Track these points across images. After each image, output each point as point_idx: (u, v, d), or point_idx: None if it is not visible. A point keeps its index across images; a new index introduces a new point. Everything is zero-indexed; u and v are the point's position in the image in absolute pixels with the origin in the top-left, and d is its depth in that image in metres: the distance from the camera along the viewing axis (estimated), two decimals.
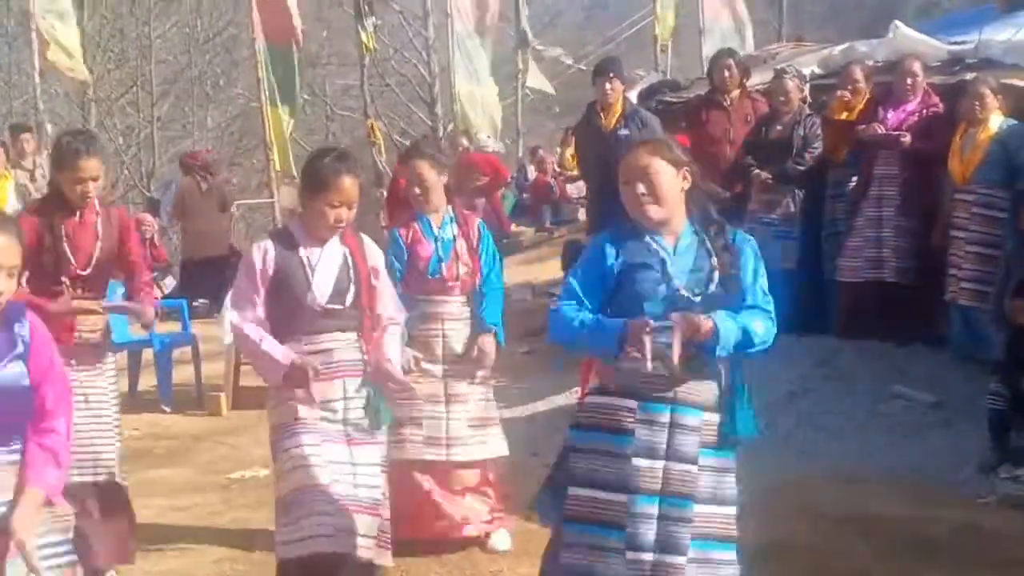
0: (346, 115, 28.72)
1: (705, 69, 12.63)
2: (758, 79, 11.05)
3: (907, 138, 9.32)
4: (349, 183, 5.10)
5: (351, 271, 5.18)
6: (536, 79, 20.29)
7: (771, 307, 4.37)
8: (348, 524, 4.96)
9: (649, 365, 3.92)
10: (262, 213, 19.39)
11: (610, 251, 4.29)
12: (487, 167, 14.07)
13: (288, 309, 5.08)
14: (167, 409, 10.63)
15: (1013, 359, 7.86)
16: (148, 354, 11.15)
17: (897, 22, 11.18)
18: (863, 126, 9.56)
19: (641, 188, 4.21)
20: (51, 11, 15.86)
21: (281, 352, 4.99)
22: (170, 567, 6.61)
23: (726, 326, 4.10)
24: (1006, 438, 7.76)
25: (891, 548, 6.58)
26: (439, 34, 23.01)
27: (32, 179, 11.56)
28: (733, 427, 4.29)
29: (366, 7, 19.23)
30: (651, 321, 3.96)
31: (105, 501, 6.02)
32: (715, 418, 4.28)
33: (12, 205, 10.68)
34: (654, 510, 4.20)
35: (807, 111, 10.08)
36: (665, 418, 4.19)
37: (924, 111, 9.50)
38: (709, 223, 4.36)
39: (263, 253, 5.10)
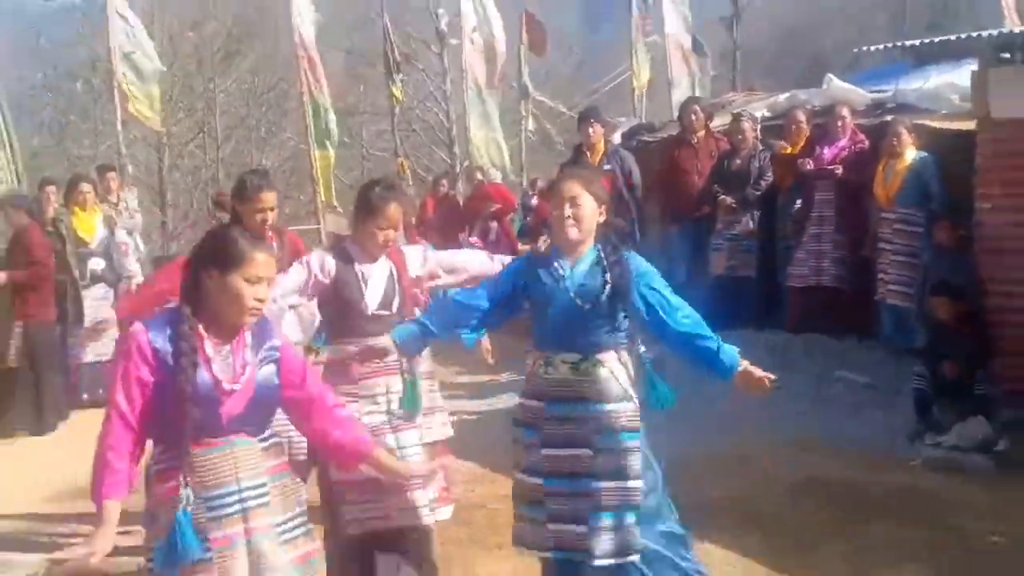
0: (379, 155, 28.73)
1: (675, 114, 12.67)
2: (719, 121, 11.12)
3: (839, 170, 9.49)
4: (395, 209, 5.10)
5: (396, 283, 5.17)
6: (536, 125, 20.40)
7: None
8: (403, 502, 4.94)
9: None
10: (309, 237, 19.37)
11: (521, 267, 4.58)
12: (499, 196, 14.10)
13: (343, 314, 5.06)
14: None
15: (932, 348, 8.00)
16: None
17: (830, 75, 11.25)
18: (802, 160, 9.69)
19: (568, 212, 4.36)
20: (131, 70, 15.89)
21: None
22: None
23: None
24: (928, 412, 7.88)
25: (839, 505, 6.65)
26: (455, 88, 23.00)
27: (117, 212, 11.48)
28: (653, 403, 4.49)
29: (395, 66, 19.36)
30: None
31: None
32: (618, 407, 4.39)
33: (100, 233, 10.65)
34: (564, 489, 4.40)
35: (760, 147, 10.18)
36: (566, 413, 4.37)
37: (853, 147, 9.61)
38: (608, 247, 4.48)
39: (321, 262, 5.07)
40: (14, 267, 9.36)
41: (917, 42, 8.63)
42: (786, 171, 9.99)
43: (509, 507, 6.72)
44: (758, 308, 9.93)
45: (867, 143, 9.58)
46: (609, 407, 4.39)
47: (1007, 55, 8.05)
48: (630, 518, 4.36)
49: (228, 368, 3.58)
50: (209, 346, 3.56)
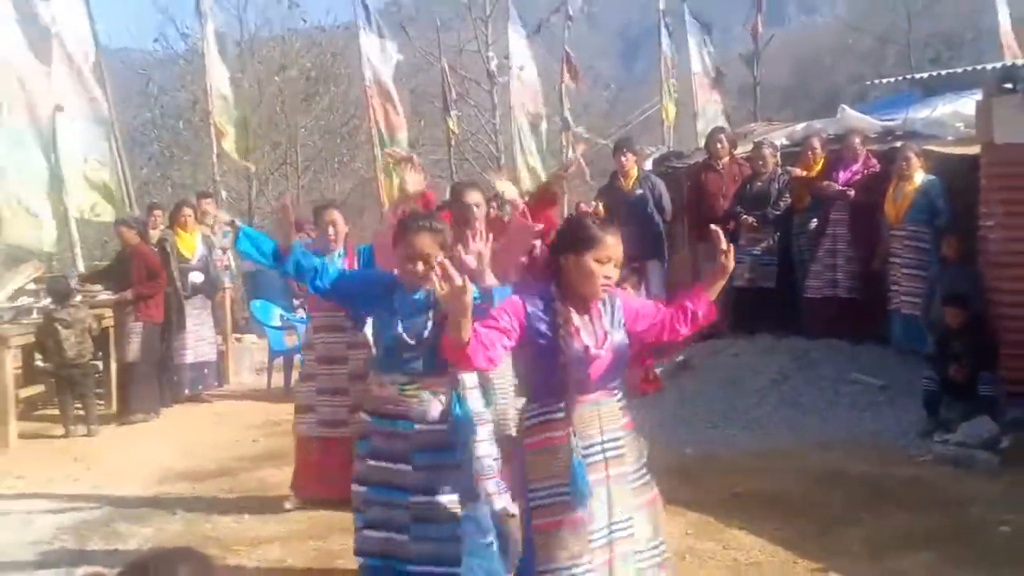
0: (436, 180, 28.76)
1: (702, 142, 12.56)
2: (742, 149, 10.96)
3: (852, 192, 9.38)
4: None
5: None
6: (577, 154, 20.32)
7: None
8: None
9: None
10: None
11: (387, 283, 4.35)
12: (543, 218, 14.00)
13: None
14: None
15: (941, 352, 7.82)
16: (297, 358, 11.10)
17: (843, 105, 11.16)
18: (823, 183, 9.57)
19: (420, 268, 4.15)
20: (225, 112, 16.04)
21: None
22: (321, 514, 6.48)
23: None
24: (937, 412, 7.76)
25: (857, 495, 6.53)
26: (503, 122, 23.08)
27: (212, 232, 11.62)
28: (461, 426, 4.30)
29: (451, 103, 19.49)
30: None
31: None
32: (434, 427, 4.20)
33: (200, 251, 10.74)
34: (383, 499, 4.24)
35: (779, 172, 9.97)
36: (390, 430, 4.21)
37: (865, 171, 9.48)
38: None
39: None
40: (129, 278, 9.66)
41: (925, 75, 8.41)
42: (803, 193, 9.86)
43: None
44: (778, 317, 9.75)
45: (879, 167, 9.45)
46: (427, 427, 4.20)
47: (1009, 86, 7.87)
48: (449, 531, 4.18)
49: (591, 336, 3.74)
50: (576, 318, 3.74)
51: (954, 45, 33.65)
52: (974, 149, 8.54)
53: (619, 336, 3.82)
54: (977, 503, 6.29)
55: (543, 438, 3.73)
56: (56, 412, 9.48)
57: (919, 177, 8.83)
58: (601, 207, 9.73)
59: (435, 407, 4.23)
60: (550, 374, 3.72)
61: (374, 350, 4.45)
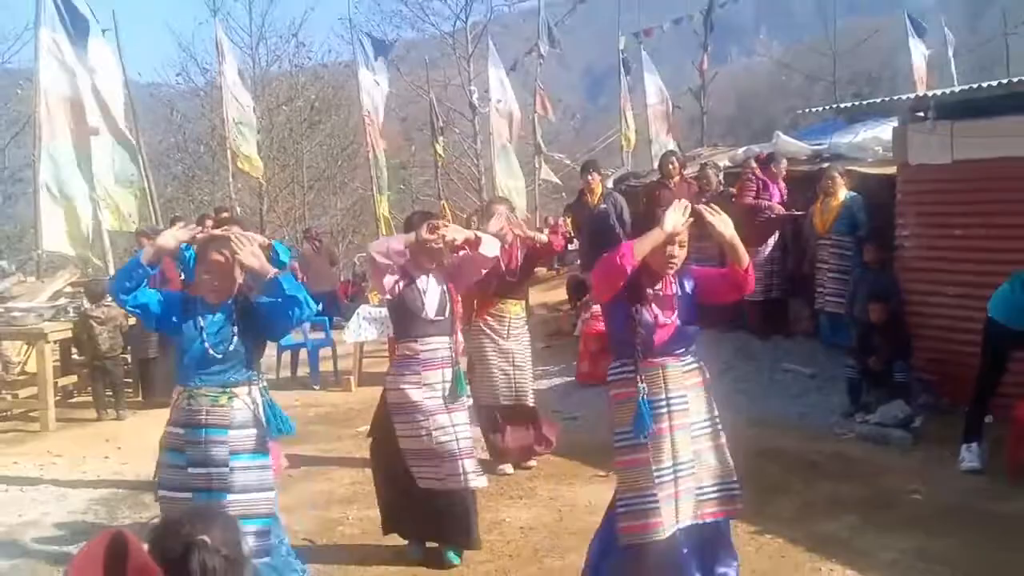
0: (425, 199, 28.79)
1: (656, 164, 12.55)
2: (690, 170, 10.94)
3: (780, 208, 9.50)
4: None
5: (447, 294, 5.03)
6: (546, 174, 20.33)
7: None
8: (456, 468, 4.85)
9: None
10: None
11: (180, 304, 4.09)
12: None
13: (409, 318, 4.93)
14: (316, 387, 10.55)
15: (862, 345, 7.85)
16: (303, 352, 11.12)
17: (778, 132, 11.18)
18: (768, 203, 9.56)
19: (215, 283, 4.03)
20: (240, 135, 15.97)
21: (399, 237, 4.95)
22: (322, 488, 6.62)
23: None
24: (858, 396, 7.78)
25: (791, 468, 6.57)
26: (484, 146, 23.08)
27: None
28: (274, 431, 4.12)
29: (438, 130, 19.51)
30: None
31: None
32: (243, 433, 4.02)
33: None
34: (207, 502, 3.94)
35: (721, 189, 9.95)
36: (202, 438, 3.97)
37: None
38: (240, 301, 4.11)
39: (393, 282, 4.92)
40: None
41: (849, 104, 8.42)
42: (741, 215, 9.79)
43: (529, 470, 6.74)
44: (724, 315, 9.71)
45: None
46: (240, 432, 4.02)
47: (921, 114, 7.88)
48: (262, 525, 4.04)
49: (661, 306, 3.92)
50: (649, 291, 3.91)
51: (874, 82, 33.90)
52: (891, 169, 8.59)
53: (687, 307, 3.97)
54: (893, 475, 6.33)
55: (620, 392, 3.98)
56: (89, 399, 9.40)
57: (843, 193, 8.86)
58: (569, 221, 9.72)
59: (245, 412, 4.06)
60: (626, 337, 3.91)
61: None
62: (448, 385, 4.95)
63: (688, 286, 4.00)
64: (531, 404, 6.86)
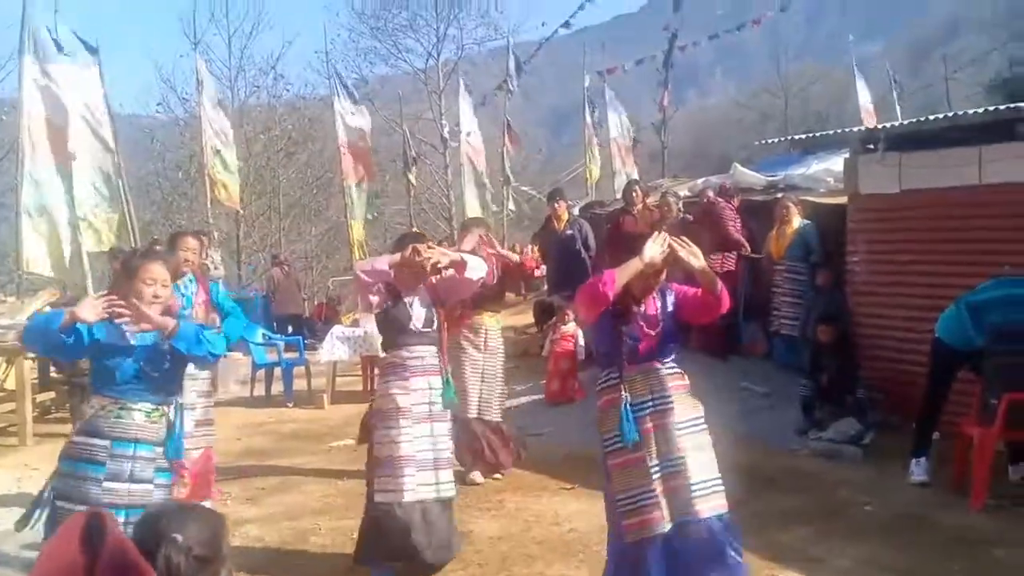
0: (398, 227, 28.76)
1: (618, 195, 12.60)
2: (652, 198, 10.96)
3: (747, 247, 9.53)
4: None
5: (433, 308, 4.97)
6: (513, 204, 20.51)
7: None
8: (431, 478, 4.76)
9: None
10: (347, 287, 19.30)
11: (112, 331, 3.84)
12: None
13: (397, 330, 4.87)
14: (290, 404, 10.41)
15: (814, 365, 7.84)
16: (276, 371, 11.01)
17: (736, 164, 11.26)
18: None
19: (158, 291, 3.90)
20: (217, 164, 15.85)
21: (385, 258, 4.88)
22: (294, 500, 6.53)
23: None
24: (812, 413, 7.75)
25: (746, 482, 6.30)
26: (455, 177, 23.16)
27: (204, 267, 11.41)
28: (170, 452, 3.89)
29: (411, 162, 19.50)
30: None
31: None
32: (161, 450, 3.84)
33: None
34: (126, 519, 3.54)
35: (681, 216, 9.97)
36: (132, 453, 3.76)
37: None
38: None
39: (381, 295, 4.89)
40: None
41: (804, 136, 8.52)
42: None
43: (498, 483, 6.69)
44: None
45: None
46: (161, 450, 3.85)
47: (871, 146, 7.98)
48: None
49: (646, 321, 4.05)
50: (635, 308, 4.06)
51: (823, 121, 34.32)
52: (842, 199, 8.66)
53: (669, 322, 4.09)
54: (845, 487, 6.33)
55: (607, 399, 4.10)
56: (66, 415, 9.20)
57: (797, 221, 8.91)
58: (536, 249, 9.72)
59: (164, 431, 3.88)
60: (612, 350, 4.08)
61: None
62: (434, 393, 4.88)
63: (670, 302, 4.13)
64: (495, 419, 6.81)
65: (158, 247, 12.40)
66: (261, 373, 11.16)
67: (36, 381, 9.35)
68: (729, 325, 9.52)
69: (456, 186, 22.97)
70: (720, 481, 4.06)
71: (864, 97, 19.71)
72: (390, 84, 28.70)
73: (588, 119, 20.85)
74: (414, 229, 19.92)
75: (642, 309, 4.08)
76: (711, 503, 3.98)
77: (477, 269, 4.96)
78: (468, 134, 18.92)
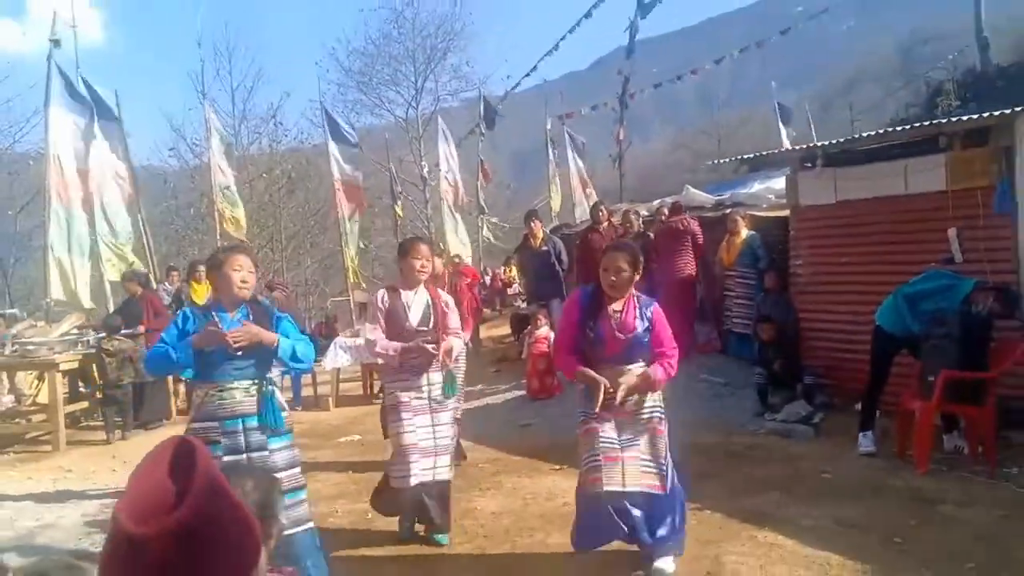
0: (384, 257, 28.61)
1: (580, 220, 12.52)
2: (616, 217, 10.89)
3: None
4: (424, 246, 4.86)
5: (431, 307, 4.81)
6: (487, 232, 20.46)
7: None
8: (432, 463, 4.65)
9: None
10: (343, 307, 19.09)
11: (189, 319, 3.82)
12: (469, 273, 13.80)
13: (396, 329, 4.70)
14: (299, 408, 10.14)
15: (762, 357, 7.84)
16: (286, 379, 10.73)
17: (687, 185, 11.27)
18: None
19: (246, 277, 3.84)
20: (226, 200, 15.58)
21: (395, 345, 4.63)
22: (311, 487, 6.14)
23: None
24: (766, 398, 7.72)
25: (716, 458, 6.45)
26: (435, 212, 23.09)
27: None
28: (270, 422, 3.79)
29: (397, 196, 19.40)
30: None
31: None
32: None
33: (209, 298, 10.27)
34: None
35: (641, 231, 9.92)
36: (239, 427, 3.71)
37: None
38: (254, 303, 3.93)
39: (381, 296, 4.78)
40: (138, 318, 9.24)
41: (751, 155, 8.51)
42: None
43: (494, 467, 6.52)
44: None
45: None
46: (268, 418, 3.79)
47: (808, 164, 7.98)
48: (297, 497, 3.79)
49: (620, 326, 4.02)
50: (609, 309, 4.05)
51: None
52: (783, 212, 8.67)
53: (641, 329, 4.05)
54: (803, 460, 6.25)
55: (583, 386, 4.10)
56: (95, 424, 8.95)
57: (744, 232, 8.91)
58: (513, 268, 9.56)
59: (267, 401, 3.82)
60: (581, 342, 4.06)
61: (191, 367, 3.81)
62: (434, 388, 4.74)
63: (647, 313, 4.12)
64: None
65: (174, 271, 12.32)
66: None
67: (66, 395, 9.03)
68: (688, 328, 9.47)
69: (436, 219, 22.87)
70: (663, 465, 4.09)
71: (786, 138, 19.90)
72: (374, 132, 28.63)
73: (551, 156, 20.91)
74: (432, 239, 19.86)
75: (619, 313, 4.07)
76: (660, 483, 4.06)
77: (457, 345, 4.92)
78: (447, 171, 18.86)
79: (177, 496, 1.20)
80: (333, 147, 16.37)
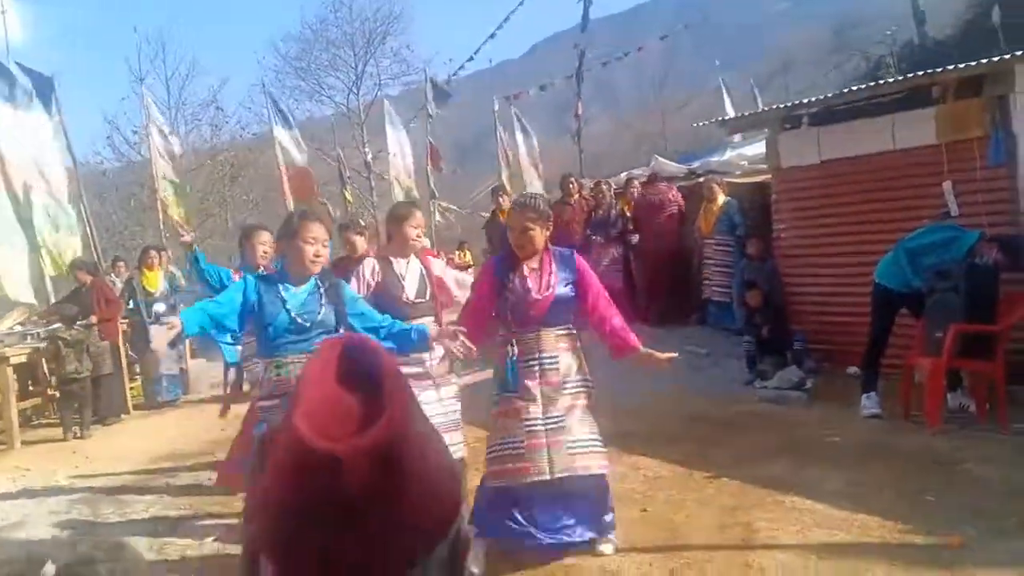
0: (333, 242, 28.01)
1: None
2: (587, 189, 10.62)
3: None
4: (419, 214, 4.49)
5: (426, 278, 4.42)
6: (439, 216, 20.05)
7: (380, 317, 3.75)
8: (447, 440, 4.23)
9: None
10: None
11: (251, 289, 3.49)
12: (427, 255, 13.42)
13: (390, 303, 4.25)
14: None
15: (749, 324, 7.68)
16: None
17: (656, 155, 11.09)
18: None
19: (320, 251, 3.51)
20: (168, 188, 14.86)
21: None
22: None
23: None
24: (754, 365, 7.53)
25: (708, 425, 6.30)
26: (381, 199, 22.68)
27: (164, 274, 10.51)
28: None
29: (345, 182, 19.13)
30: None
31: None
32: None
33: (163, 286, 9.79)
34: None
35: (613, 202, 9.67)
36: None
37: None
38: (325, 278, 3.61)
39: (372, 268, 4.34)
40: (88, 309, 8.51)
41: (732, 116, 8.30)
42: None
43: (484, 446, 6.19)
44: (628, 309, 9.40)
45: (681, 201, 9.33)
46: None
47: (788, 126, 7.79)
48: None
49: (536, 283, 3.79)
50: (525, 269, 3.82)
51: (699, 134, 34.87)
52: (760, 178, 8.50)
53: (563, 289, 3.79)
54: (805, 426, 6.08)
55: (499, 353, 3.84)
56: (50, 422, 8.35)
57: (721, 199, 8.72)
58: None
59: None
60: (502, 308, 3.79)
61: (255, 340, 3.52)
62: (433, 363, 4.31)
63: (571, 271, 3.86)
64: None
65: (120, 262, 11.65)
66: (232, 371, 10.34)
67: (17, 391, 8.38)
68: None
69: (382, 207, 22.42)
70: (600, 441, 3.80)
71: (732, 112, 19.92)
72: (315, 120, 27.89)
73: (501, 137, 20.56)
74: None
75: (536, 271, 3.82)
76: (589, 460, 3.75)
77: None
78: (394, 154, 18.40)
79: (363, 408, 0.86)
80: (280, 132, 15.82)
